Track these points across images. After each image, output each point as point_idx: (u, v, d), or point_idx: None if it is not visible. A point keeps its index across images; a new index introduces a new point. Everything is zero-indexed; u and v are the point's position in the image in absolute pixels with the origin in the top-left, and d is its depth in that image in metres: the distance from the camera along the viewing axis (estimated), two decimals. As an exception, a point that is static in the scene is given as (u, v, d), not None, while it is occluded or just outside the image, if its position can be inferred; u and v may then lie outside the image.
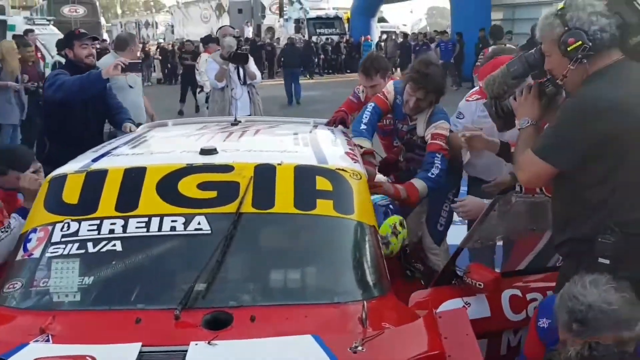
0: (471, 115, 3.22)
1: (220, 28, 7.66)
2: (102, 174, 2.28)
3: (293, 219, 2.17)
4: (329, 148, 2.65)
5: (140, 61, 4.75)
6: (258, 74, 6.37)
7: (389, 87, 3.29)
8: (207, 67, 6.17)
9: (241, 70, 6.01)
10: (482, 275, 2.14)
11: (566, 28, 1.94)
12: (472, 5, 18.38)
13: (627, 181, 1.92)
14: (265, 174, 2.26)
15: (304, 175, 2.27)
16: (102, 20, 33.59)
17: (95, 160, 2.44)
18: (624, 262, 1.88)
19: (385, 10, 33.06)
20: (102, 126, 4.12)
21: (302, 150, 2.55)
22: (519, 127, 2.17)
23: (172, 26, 39.68)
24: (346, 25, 27.38)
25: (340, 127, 3.39)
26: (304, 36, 25.07)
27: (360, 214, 2.22)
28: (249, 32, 28.34)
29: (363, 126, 3.10)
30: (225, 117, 3.48)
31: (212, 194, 2.18)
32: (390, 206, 2.55)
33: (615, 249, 1.88)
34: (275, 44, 22.96)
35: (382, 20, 31.84)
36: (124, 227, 2.08)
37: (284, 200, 2.18)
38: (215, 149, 2.41)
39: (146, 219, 2.10)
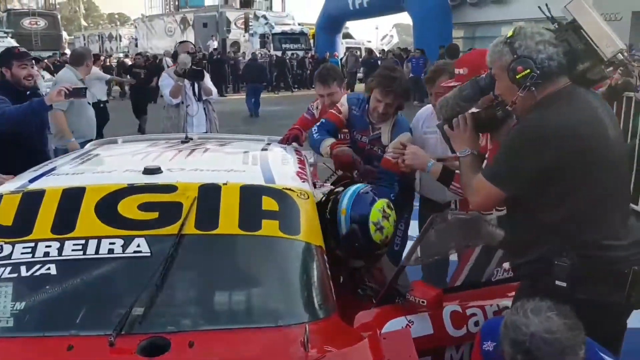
0: (415, 128, 3.26)
1: (180, 43, 7.50)
2: (39, 194, 2.20)
3: (237, 240, 2.14)
4: (278, 167, 2.63)
5: (85, 87, 4.63)
6: (214, 90, 6.27)
7: (342, 100, 3.30)
8: (161, 83, 6.00)
9: (197, 87, 5.92)
10: (425, 292, 2.14)
11: (515, 56, 1.98)
12: (434, 23, 18.76)
13: (581, 204, 1.94)
14: (209, 194, 2.21)
15: (250, 195, 2.24)
16: (64, 34, 33.11)
17: (33, 180, 2.36)
18: (582, 285, 1.90)
19: (351, 26, 33.41)
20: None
21: (251, 169, 2.52)
22: (459, 156, 2.22)
23: (136, 39, 39.28)
24: (312, 41, 27.57)
25: (294, 144, 3.37)
26: (269, 51, 25.14)
27: (306, 234, 2.20)
28: (214, 46, 28.26)
29: (317, 135, 3.10)
30: (178, 134, 3.41)
31: (154, 215, 2.12)
32: (374, 192, 2.50)
33: (572, 271, 1.90)
34: (241, 58, 22.91)
35: (347, 36, 32.16)
36: (60, 249, 2.01)
37: (229, 220, 2.14)
38: (159, 169, 2.36)
39: (83, 241, 2.02)
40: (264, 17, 27.20)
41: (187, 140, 3.18)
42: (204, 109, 6.02)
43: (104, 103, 9.67)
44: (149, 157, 2.74)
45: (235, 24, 30.52)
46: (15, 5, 41.14)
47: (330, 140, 3.11)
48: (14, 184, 2.33)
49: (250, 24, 28.61)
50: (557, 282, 1.91)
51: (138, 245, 2.03)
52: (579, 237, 1.93)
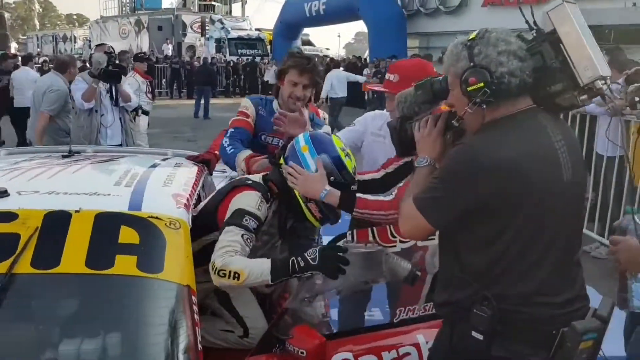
0: (364, 127, 2.97)
1: (97, 45, 7.00)
2: None
3: (82, 280, 1.80)
4: (157, 188, 2.29)
5: None
6: (133, 97, 5.84)
7: (244, 102, 2.97)
8: (74, 87, 5.48)
9: (114, 91, 5.48)
10: (304, 341, 1.85)
11: (471, 63, 1.64)
12: (389, 32, 18.72)
13: (510, 251, 1.63)
14: (56, 224, 1.87)
15: (106, 224, 1.91)
16: (21, 36, 31.77)
17: None
18: (500, 341, 1.62)
19: (312, 33, 33.27)
20: None
21: (120, 192, 2.17)
22: (416, 165, 1.87)
23: (90, 41, 38.20)
24: (268, 47, 27.24)
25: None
26: (224, 56, 24.68)
27: (171, 271, 1.87)
28: (169, 49, 27.64)
29: (230, 149, 2.74)
30: (64, 147, 3.03)
31: (-17, 249, 1.77)
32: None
33: (491, 323, 1.61)
34: (196, 63, 22.39)
35: (307, 43, 31.97)
36: None
37: (74, 256, 1.80)
38: (5, 192, 2.00)
39: None
40: (220, 21, 26.75)
41: (69, 154, 2.81)
42: (120, 118, 5.60)
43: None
44: (10, 175, 2.36)
45: (191, 27, 29.93)
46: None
47: (245, 153, 2.70)
48: None
49: (206, 28, 28.10)
50: (474, 333, 1.63)
51: (-43, 287, 1.67)
52: (503, 288, 1.63)
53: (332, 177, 2.17)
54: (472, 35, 1.69)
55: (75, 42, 42.32)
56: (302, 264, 1.93)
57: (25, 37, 54.55)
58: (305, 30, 28.96)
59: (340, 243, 2.03)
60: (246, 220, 2.07)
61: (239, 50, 25.62)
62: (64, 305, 1.81)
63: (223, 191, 2.31)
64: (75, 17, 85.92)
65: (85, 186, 2.20)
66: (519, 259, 1.63)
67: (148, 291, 1.85)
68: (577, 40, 1.65)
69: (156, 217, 1.98)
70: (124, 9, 39.97)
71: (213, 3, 36.67)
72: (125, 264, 1.82)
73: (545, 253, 1.65)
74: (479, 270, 1.67)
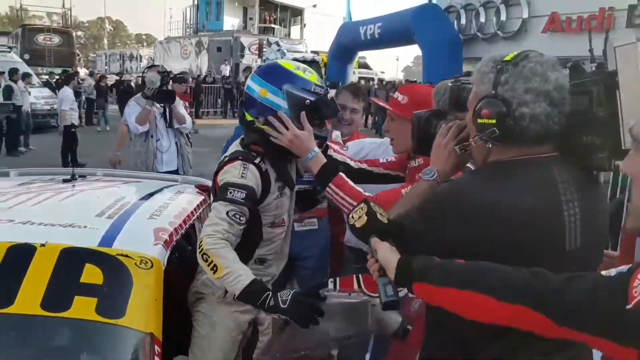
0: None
1: (150, 66, 6.92)
2: None
3: (35, 322, 1.65)
4: (140, 222, 2.14)
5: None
6: (188, 118, 5.59)
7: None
8: (127, 111, 5.32)
9: (168, 113, 5.28)
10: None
11: (492, 91, 1.38)
12: (444, 57, 18.37)
13: None
14: (18, 258, 1.75)
15: (70, 261, 1.77)
16: (91, 54, 33.42)
17: None
18: None
19: (369, 56, 33.22)
20: None
21: (98, 224, 2.03)
22: (422, 176, 1.68)
23: (153, 60, 39.60)
24: (323, 69, 27.33)
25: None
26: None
27: (133, 317, 1.71)
28: (226, 70, 28.21)
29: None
30: (66, 170, 2.93)
31: None
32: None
33: None
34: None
35: (364, 66, 31.96)
36: None
37: (29, 296, 1.67)
38: (-25, 220, 1.91)
39: None
40: (277, 43, 27.05)
41: (71, 178, 2.72)
42: (176, 143, 5.42)
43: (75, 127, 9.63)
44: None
45: (249, 49, 30.50)
46: (35, 21, 41.93)
47: None
48: None
49: (264, 50, 28.54)
50: None
51: None
52: (474, 352, 1.38)
53: (307, 101, 2.00)
54: (509, 56, 1.41)
55: (140, 61, 43.98)
56: (271, 303, 1.72)
57: (94, 55, 57.30)
58: (363, 53, 28.93)
59: (322, 292, 1.80)
60: (230, 192, 1.90)
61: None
62: (14, 349, 1.67)
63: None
64: (144, 37, 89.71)
65: (64, 216, 2.07)
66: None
67: (106, 338, 1.69)
68: (638, 94, 1.33)
69: (125, 255, 1.82)
70: (187, 30, 41.32)
71: (272, 26, 37.37)
72: (83, 307, 1.67)
73: None
74: (447, 322, 1.38)
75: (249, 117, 2.06)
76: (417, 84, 2.81)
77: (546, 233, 1.31)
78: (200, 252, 1.82)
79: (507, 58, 1.39)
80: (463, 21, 21.47)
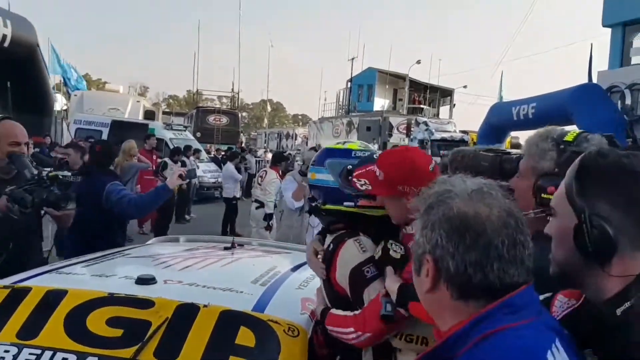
0: None
1: (311, 148, 7.28)
2: (24, 292, 2.12)
3: None
4: (288, 291, 2.29)
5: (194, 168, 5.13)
6: None
7: None
8: (284, 186, 5.74)
9: None
10: None
11: (556, 169, 1.52)
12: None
13: None
14: (185, 316, 1.96)
15: (228, 323, 1.94)
16: (252, 133, 36.61)
17: (36, 275, 2.31)
18: None
19: (523, 136, 32.23)
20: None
21: (252, 290, 2.22)
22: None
23: (307, 139, 42.00)
24: (472, 149, 26.97)
25: None
26: (427, 157, 24.94)
27: (280, 380, 1.81)
28: (375, 148, 28.97)
29: None
30: (243, 238, 3.24)
31: (118, 332, 1.91)
32: None
33: None
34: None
35: (516, 146, 30.96)
36: (16, 356, 1.87)
37: (192, 351, 1.84)
38: (152, 279, 2.18)
39: (39, 351, 1.87)
40: (425, 123, 27.36)
41: (231, 246, 2.99)
42: None
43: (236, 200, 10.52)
44: (168, 262, 2.59)
45: (397, 128, 31.20)
46: (208, 104, 46.92)
47: None
48: (14, 277, 2.30)
49: (412, 129, 28.99)
50: None
51: (89, 365, 1.82)
52: None
53: (349, 166, 2.03)
54: (569, 136, 1.55)
55: (295, 139, 46.91)
56: None
57: (256, 133, 62.28)
58: (516, 133, 28.17)
59: None
60: (366, 271, 1.92)
61: (441, 151, 25.78)
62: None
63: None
64: (300, 117, 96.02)
65: (224, 281, 2.29)
66: None
67: (255, 399, 1.80)
68: None
69: (275, 322, 1.96)
70: (340, 111, 43.51)
71: (422, 106, 38.03)
72: (237, 366, 1.81)
73: None
74: None
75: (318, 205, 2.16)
76: (390, 153, 2.07)
77: None
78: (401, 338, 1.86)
79: (568, 139, 1.56)
80: (628, 101, 20.11)
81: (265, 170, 7.70)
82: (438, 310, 1.18)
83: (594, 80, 22.15)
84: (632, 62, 19.77)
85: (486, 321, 1.09)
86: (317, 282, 2.50)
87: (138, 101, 25.64)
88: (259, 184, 7.08)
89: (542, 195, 1.51)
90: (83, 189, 3.78)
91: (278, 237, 6.10)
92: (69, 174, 3.92)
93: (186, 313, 1.97)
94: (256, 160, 21.14)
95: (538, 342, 1.06)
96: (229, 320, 1.95)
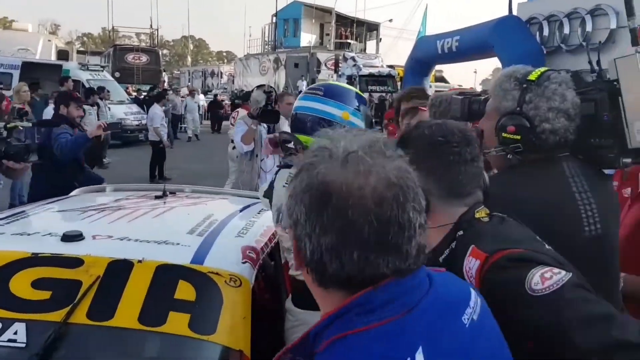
0: None
1: (258, 86, 7.09)
2: None
3: (132, 336, 1.73)
4: (229, 239, 2.21)
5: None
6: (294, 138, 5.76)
7: None
8: (236, 130, 5.53)
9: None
10: None
11: (517, 108, 1.55)
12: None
13: None
14: (117, 273, 1.85)
15: (165, 277, 1.85)
16: (175, 71, 35.20)
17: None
18: None
19: (447, 69, 32.84)
20: None
21: (190, 241, 2.12)
22: None
23: (233, 77, 40.94)
24: (399, 84, 27.19)
25: None
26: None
27: (224, 334, 1.76)
28: (303, 85, 28.70)
29: None
30: (175, 186, 3.08)
31: (45, 294, 1.78)
32: None
33: None
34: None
35: (441, 79, 31.58)
36: None
37: (128, 310, 1.75)
38: (79, 235, 2.04)
39: (-43, 321, 1.72)
40: (353, 58, 27.20)
41: (162, 195, 2.85)
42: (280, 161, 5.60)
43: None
44: (96, 215, 2.43)
45: (325, 65, 30.92)
46: (125, 41, 44.46)
47: None
48: None
49: (340, 65, 28.80)
50: None
51: (15, 333, 1.68)
52: None
53: (373, 120, 2.08)
54: (533, 75, 1.58)
55: (221, 77, 45.63)
56: None
57: (179, 72, 59.99)
58: (440, 67, 28.61)
59: None
60: None
61: (369, 87, 25.84)
62: (112, 360, 1.76)
63: None
64: (225, 54, 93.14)
65: (158, 233, 2.18)
66: None
67: (199, 354, 1.74)
68: (638, 99, 1.51)
69: (216, 273, 1.89)
70: (266, 47, 42.47)
71: (349, 41, 37.70)
72: (177, 322, 1.73)
73: None
74: None
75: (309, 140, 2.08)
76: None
77: (561, 220, 1.49)
78: None
79: (531, 77, 1.57)
80: (546, 33, 20.71)
81: (237, 111, 7.50)
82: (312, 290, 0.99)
83: (514, 12, 22.61)
84: (551, -6, 20.21)
85: (338, 321, 0.89)
86: (257, 228, 2.44)
87: (49, 40, 23.95)
88: (232, 125, 6.83)
89: (503, 134, 1.56)
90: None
91: (234, 183, 6.02)
92: (30, 124, 3.98)
93: (119, 270, 1.86)
94: (181, 100, 20.41)
95: (387, 355, 0.85)
96: (167, 275, 1.86)
